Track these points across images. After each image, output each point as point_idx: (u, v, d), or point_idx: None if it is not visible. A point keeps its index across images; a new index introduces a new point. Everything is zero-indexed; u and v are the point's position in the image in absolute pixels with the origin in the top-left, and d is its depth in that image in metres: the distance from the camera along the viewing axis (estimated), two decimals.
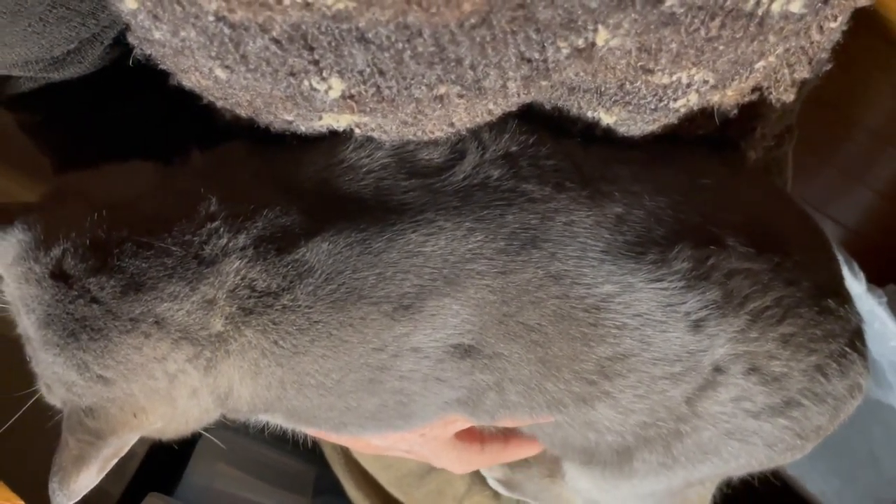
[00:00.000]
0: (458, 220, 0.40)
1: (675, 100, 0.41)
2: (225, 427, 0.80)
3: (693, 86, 0.40)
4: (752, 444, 0.48)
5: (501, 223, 0.40)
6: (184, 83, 0.41)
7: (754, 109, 0.48)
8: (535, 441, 0.57)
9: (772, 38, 0.37)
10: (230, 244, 0.40)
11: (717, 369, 0.44)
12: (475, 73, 0.35)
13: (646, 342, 0.42)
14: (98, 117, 0.51)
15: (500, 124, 0.42)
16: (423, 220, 0.40)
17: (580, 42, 0.34)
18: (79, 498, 0.42)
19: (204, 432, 0.49)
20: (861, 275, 0.93)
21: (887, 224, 1.41)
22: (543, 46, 0.34)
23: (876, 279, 1.00)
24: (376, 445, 0.55)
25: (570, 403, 0.45)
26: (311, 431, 0.50)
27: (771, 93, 0.47)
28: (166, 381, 0.41)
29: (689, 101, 0.42)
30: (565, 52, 0.34)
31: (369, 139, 0.42)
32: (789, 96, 0.48)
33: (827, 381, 0.46)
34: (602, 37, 0.34)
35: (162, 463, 0.77)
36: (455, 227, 0.40)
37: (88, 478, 0.42)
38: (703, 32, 0.35)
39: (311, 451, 0.84)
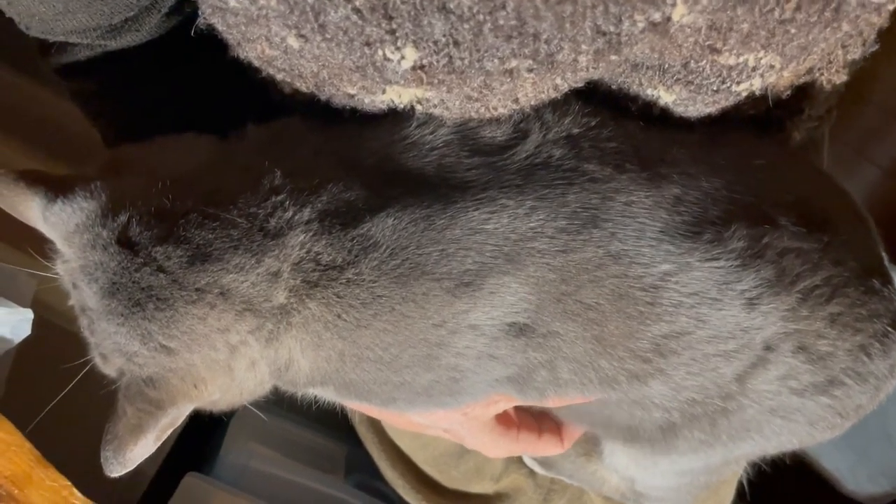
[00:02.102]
0: (521, 198, 0.41)
1: (738, 83, 0.41)
2: (258, 408, 0.81)
3: (758, 69, 0.40)
4: (795, 421, 0.48)
5: (563, 202, 0.41)
6: (246, 54, 0.41)
7: (805, 91, 0.48)
8: (568, 434, 0.57)
9: (845, 27, 0.37)
10: (295, 217, 0.40)
11: (768, 347, 0.45)
12: (549, 48, 0.35)
13: (701, 320, 0.43)
14: (151, 88, 0.51)
15: (562, 105, 0.43)
16: (485, 198, 0.40)
17: (657, 16, 0.34)
18: (132, 468, 0.42)
19: (249, 406, 0.49)
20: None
21: (894, 201, 1.41)
22: (620, 20, 0.34)
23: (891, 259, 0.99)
24: (417, 423, 0.55)
25: (623, 381, 0.45)
26: (356, 405, 0.50)
27: (823, 74, 0.47)
28: (227, 352, 0.41)
29: (752, 86, 0.42)
30: (641, 25, 0.34)
31: (432, 116, 0.42)
32: (840, 77, 0.48)
33: (870, 360, 0.47)
34: (679, 11, 0.34)
35: (194, 442, 0.78)
36: (517, 205, 0.40)
37: (145, 447, 0.42)
38: (776, 14, 0.35)
39: (340, 431, 0.84)
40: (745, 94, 0.43)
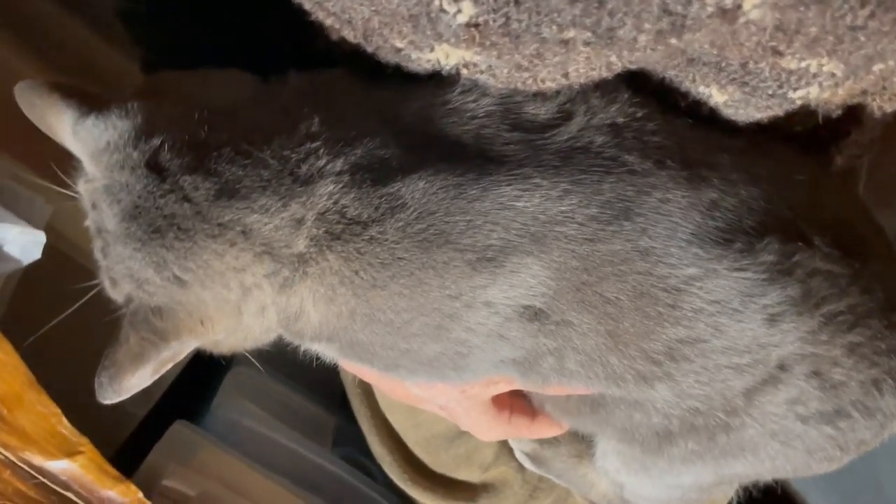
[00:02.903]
0: (556, 179, 0.40)
1: (795, 89, 0.40)
2: (250, 365, 0.81)
3: (819, 77, 0.39)
4: (794, 447, 0.48)
5: (598, 190, 0.40)
6: None
7: (855, 113, 0.47)
8: (560, 423, 0.57)
9: None
10: (327, 167, 0.39)
11: (782, 367, 0.44)
12: (612, 21, 0.34)
13: (719, 329, 0.42)
14: (200, 21, 0.51)
15: (611, 92, 0.42)
16: (520, 174, 0.40)
17: (728, 2, 0.33)
18: (125, 397, 0.42)
19: (250, 358, 0.49)
20: None
21: None
22: (690, 1, 0.33)
23: None
24: (415, 395, 0.55)
25: (630, 380, 0.44)
26: (356, 368, 0.50)
27: (875, 99, 0.46)
28: (239, 294, 0.41)
29: (809, 95, 0.41)
30: (710, 9, 0.33)
31: (476, 84, 0.41)
32: (892, 106, 0.47)
33: (881, 396, 0.46)
34: (752, 1, 0.33)
35: (187, 391, 0.78)
36: (551, 186, 0.40)
37: (142, 378, 0.42)
38: (848, 19, 0.34)
39: (334, 402, 0.84)
40: (799, 101, 0.42)
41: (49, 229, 0.66)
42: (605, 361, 0.44)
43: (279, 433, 0.76)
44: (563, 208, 0.40)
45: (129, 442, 0.73)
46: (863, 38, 0.36)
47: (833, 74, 0.39)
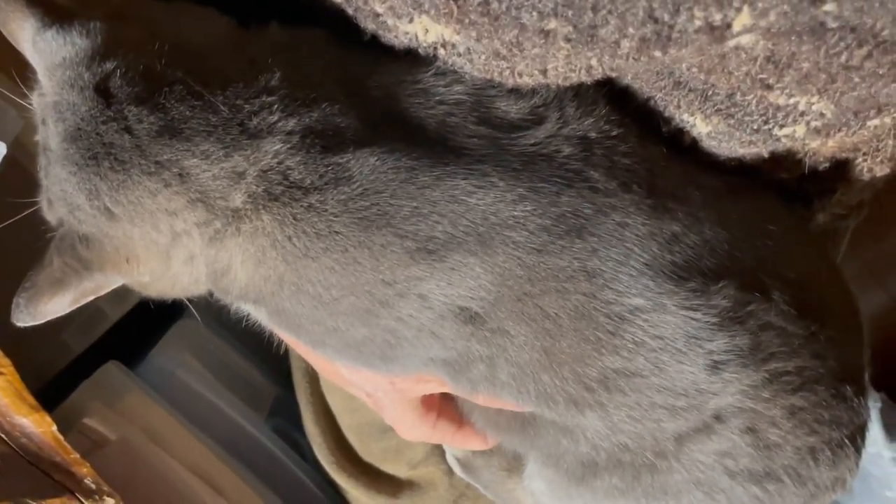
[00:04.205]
0: (513, 183, 0.38)
1: (781, 126, 0.39)
2: (204, 322, 0.79)
3: (807, 116, 0.38)
4: (716, 501, 0.46)
5: (554, 201, 0.39)
6: None
7: (843, 171, 0.46)
8: (486, 437, 0.56)
9: None
10: (278, 124, 0.38)
11: (718, 417, 0.42)
12: (594, 17, 0.33)
13: (659, 367, 0.41)
14: None
15: (588, 104, 0.41)
16: (478, 170, 0.38)
17: (717, 18, 0.31)
18: (39, 322, 0.41)
19: (194, 310, 0.48)
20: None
21: (892, 333, 1.39)
22: (678, 10, 0.31)
23: (871, 384, 0.97)
24: (344, 376, 0.53)
25: (560, 402, 0.43)
26: (288, 339, 0.48)
27: (867, 159, 0.45)
28: (169, 238, 0.40)
29: (795, 133, 0.39)
30: (697, 23, 0.32)
31: (451, 70, 0.40)
32: (883, 170, 0.46)
33: (815, 465, 0.45)
34: (742, 21, 0.32)
35: (130, 335, 0.76)
36: (508, 188, 0.38)
37: (60, 304, 0.41)
38: (843, 58, 0.33)
39: (277, 372, 0.83)
40: (785, 140, 0.40)
41: (18, 144, 0.65)
42: (538, 379, 0.43)
43: (214, 393, 0.74)
44: (515, 213, 0.38)
45: (60, 376, 0.72)
46: (857, 79, 0.34)
47: (822, 115, 0.38)
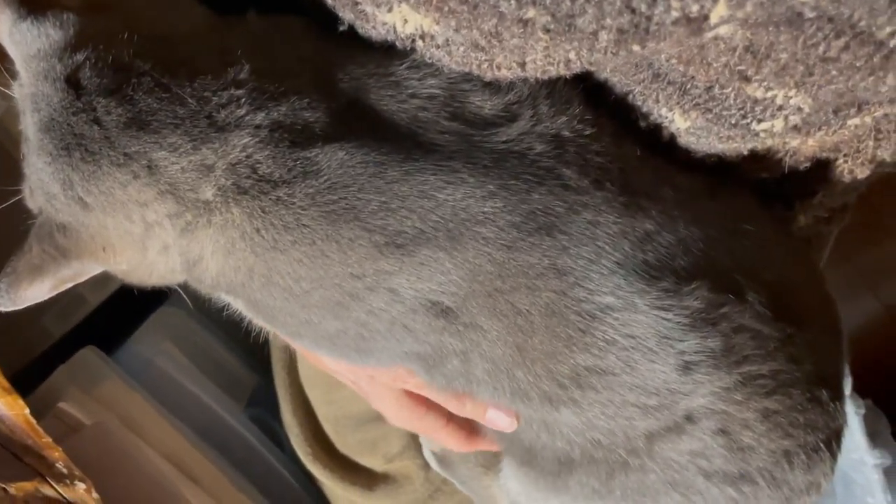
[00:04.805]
0: (483, 179, 0.38)
1: (759, 121, 0.38)
2: (181, 307, 0.79)
3: (784, 110, 0.37)
4: (693, 502, 0.46)
5: (525, 198, 0.38)
6: None
7: (824, 172, 0.46)
8: (475, 437, 0.55)
9: (890, 80, 0.34)
10: (247, 118, 0.38)
11: (689, 418, 0.42)
12: (572, 6, 0.33)
13: (630, 365, 0.40)
14: None
15: (563, 103, 0.40)
16: (448, 166, 0.38)
17: (694, 9, 0.31)
18: (19, 307, 0.42)
19: (177, 288, 0.48)
20: (849, 379, 0.90)
21: (886, 340, 1.39)
22: (655, 0, 0.31)
23: (858, 390, 0.97)
24: (327, 364, 0.54)
25: (535, 398, 0.43)
26: (269, 328, 0.48)
27: (847, 161, 0.45)
28: (142, 228, 0.40)
29: (774, 128, 0.39)
30: (674, 14, 0.32)
31: (426, 63, 0.39)
32: (863, 172, 0.46)
33: (790, 469, 0.44)
34: (719, 12, 0.31)
35: (111, 321, 0.76)
36: (478, 185, 0.38)
37: (39, 290, 0.42)
38: (821, 49, 0.33)
39: (258, 362, 0.82)
40: (762, 135, 0.40)
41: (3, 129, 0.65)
42: (512, 375, 0.42)
43: (193, 381, 0.74)
44: (485, 209, 0.38)
45: (39, 360, 0.72)
46: (834, 72, 0.34)
47: (800, 109, 0.37)
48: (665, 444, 0.43)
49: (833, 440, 0.46)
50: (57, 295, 0.44)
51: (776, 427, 0.43)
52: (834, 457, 0.47)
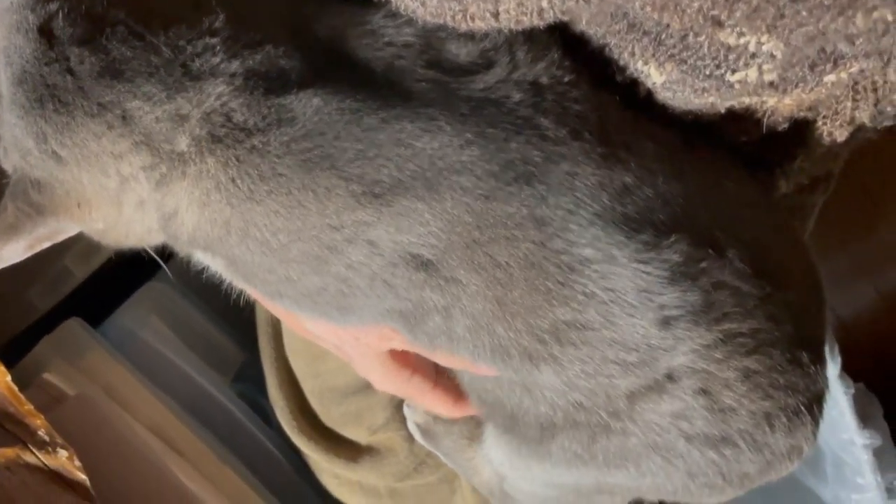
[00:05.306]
0: (461, 127, 0.38)
1: (733, 70, 0.38)
2: (167, 282, 0.79)
3: (758, 58, 0.37)
4: (674, 466, 0.46)
5: (502, 147, 0.38)
6: None
7: (803, 134, 0.45)
8: (462, 401, 0.55)
9: (859, 21, 0.34)
10: (221, 66, 0.38)
11: (670, 376, 0.42)
12: None
13: (609, 320, 0.40)
14: None
15: (540, 49, 0.40)
16: (424, 114, 0.38)
17: None
18: None
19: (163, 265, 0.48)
20: (838, 359, 0.90)
21: (879, 327, 1.39)
22: None
23: (852, 376, 0.97)
24: (309, 329, 0.53)
25: (515, 356, 0.43)
26: (250, 291, 0.48)
27: (826, 123, 0.45)
28: (117, 182, 0.40)
29: (748, 78, 0.39)
30: None
31: (402, 13, 0.39)
32: (842, 134, 0.46)
33: (771, 431, 0.44)
34: None
35: (97, 295, 0.76)
36: (455, 133, 0.38)
37: (14, 251, 0.41)
38: None
39: (245, 338, 0.82)
40: (738, 86, 0.40)
41: None
42: (492, 331, 0.42)
43: (179, 355, 0.74)
44: (463, 158, 0.38)
45: (24, 334, 0.71)
46: (804, 13, 0.34)
47: (773, 56, 0.37)
48: (646, 405, 0.43)
49: (814, 404, 0.46)
50: (42, 268, 0.44)
51: (757, 388, 0.43)
52: (815, 421, 0.47)
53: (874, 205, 1.33)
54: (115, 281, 0.76)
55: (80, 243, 0.70)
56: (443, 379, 0.55)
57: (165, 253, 0.47)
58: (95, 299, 0.75)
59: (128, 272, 0.75)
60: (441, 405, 0.56)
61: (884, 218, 1.36)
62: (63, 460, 0.56)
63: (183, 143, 0.39)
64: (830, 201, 0.57)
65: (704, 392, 0.42)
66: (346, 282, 0.41)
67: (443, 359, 0.49)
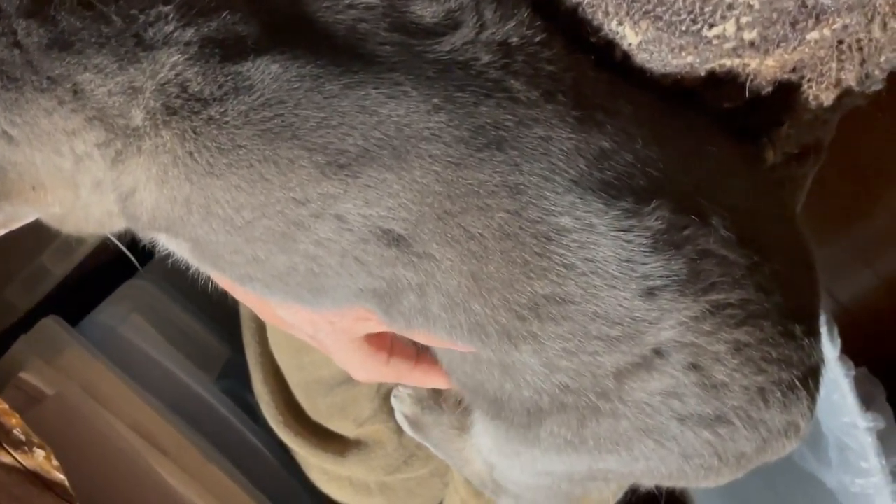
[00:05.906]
0: (428, 92, 0.36)
1: (711, 25, 0.37)
2: (149, 280, 0.78)
3: (735, 9, 0.36)
4: (668, 449, 0.44)
5: (472, 112, 0.37)
6: None
7: (788, 98, 0.44)
8: (444, 374, 0.54)
9: None
10: (175, 34, 0.36)
11: (658, 351, 0.40)
12: None
13: (590, 292, 0.38)
14: None
15: (510, 7, 0.39)
16: (389, 79, 0.36)
17: None
18: None
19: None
20: (838, 341, 0.89)
21: (879, 311, 1.38)
22: None
23: (855, 360, 0.96)
24: (282, 318, 0.51)
25: (493, 334, 0.41)
26: (220, 281, 0.47)
27: (811, 86, 0.43)
28: (72, 162, 0.38)
29: (726, 33, 0.37)
30: None
31: None
32: (828, 97, 0.44)
33: (766, 407, 0.43)
34: None
35: (76, 295, 0.75)
36: (422, 98, 0.36)
37: None
38: None
39: (230, 334, 0.81)
40: (715, 42, 0.38)
41: None
42: (469, 308, 0.40)
43: (161, 352, 0.73)
44: (430, 125, 0.36)
45: (3, 333, 0.70)
46: None
47: (750, 6, 0.36)
48: (635, 383, 0.41)
49: (810, 378, 0.45)
50: (19, 266, 0.43)
51: (748, 361, 0.41)
52: (812, 396, 0.46)
53: (871, 190, 1.33)
54: (95, 279, 0.75)
55: (58, 240, 0.69)
56: (426, 353, 0.53)
57: (145, 249, 0.46)
58: (75, 298, 0.74)
59: (108, 270, 0.73)
60: (430, 378, 0.54)
61: (881, 203, 1.35)
62: (40, 460, 0.55)
63: (138, 117, 0.37)
64: (828, 187, 0.56)
65: (695, 367, 0.41)
66: (315, 260, 0.40)
67: (422, 338, 0.47)
